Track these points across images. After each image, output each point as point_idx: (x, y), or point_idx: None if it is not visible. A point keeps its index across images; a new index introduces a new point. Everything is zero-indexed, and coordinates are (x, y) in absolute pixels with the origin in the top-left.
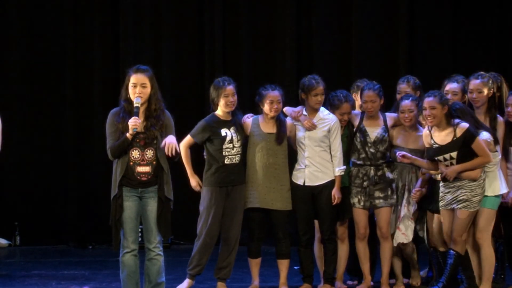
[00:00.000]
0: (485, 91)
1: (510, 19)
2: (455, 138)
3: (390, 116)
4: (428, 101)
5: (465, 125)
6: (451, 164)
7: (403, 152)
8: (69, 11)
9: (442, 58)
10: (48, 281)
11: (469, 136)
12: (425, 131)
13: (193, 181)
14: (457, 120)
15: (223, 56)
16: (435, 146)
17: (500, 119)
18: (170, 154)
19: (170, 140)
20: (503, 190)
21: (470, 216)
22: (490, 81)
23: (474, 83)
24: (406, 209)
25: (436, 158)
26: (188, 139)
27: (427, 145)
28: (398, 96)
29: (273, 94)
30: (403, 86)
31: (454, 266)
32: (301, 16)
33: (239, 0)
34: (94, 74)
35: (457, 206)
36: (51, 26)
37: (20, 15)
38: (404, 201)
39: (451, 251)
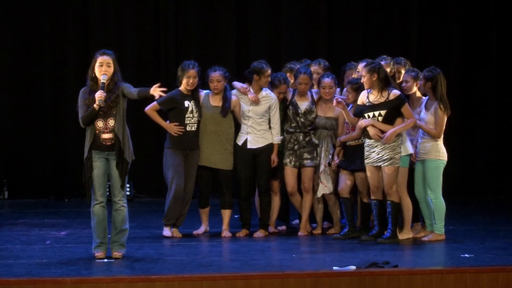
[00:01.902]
0: (388, 71)
1: (412, 11)
2: (387, 100)
3: (315, 92)
4: (360, 68)
5: (398, 92)
6: (378, 120)
7: (340, 99)
8: (47, 7)
9: (355, 44)
10: (32, 228)
11: (400, 101)
12: (363, 92)
13: (171, 129)
14: (391, 88)
15: (175, 40)
16: (368, 104)
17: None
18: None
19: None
20: (411, 150)
21: (396, 171)
22: (392, 63)
23: None
24: (324, 166)
25: (365, 114)
26: (154, 105)
27: (360, 103)
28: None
29: (213, 75)
30: (316, 68)
31: (394, 213)
32: (240, 12)
33: None
34: (68, 56)
35: (384, 164)
36: (33, 21)
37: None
38: (322, 160)
39: (388, 201)
